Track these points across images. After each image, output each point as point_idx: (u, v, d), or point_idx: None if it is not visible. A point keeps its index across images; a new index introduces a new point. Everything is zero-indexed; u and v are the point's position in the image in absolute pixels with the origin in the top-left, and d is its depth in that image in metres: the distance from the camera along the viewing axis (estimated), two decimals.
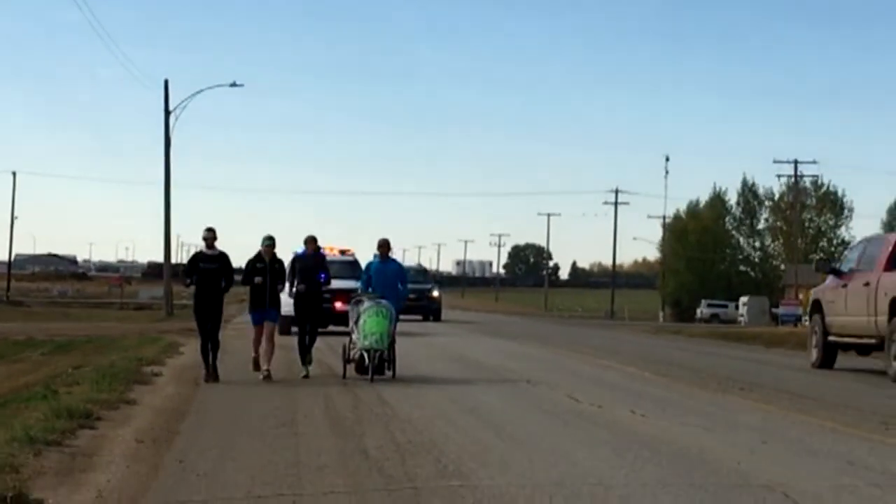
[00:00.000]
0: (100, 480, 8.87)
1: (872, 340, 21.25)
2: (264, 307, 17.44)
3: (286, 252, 18.92)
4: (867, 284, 21.41)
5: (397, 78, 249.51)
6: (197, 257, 17.33)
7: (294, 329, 19.23)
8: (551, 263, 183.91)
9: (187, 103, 54.19)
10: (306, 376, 17.53)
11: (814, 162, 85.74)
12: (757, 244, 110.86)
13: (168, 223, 55.39)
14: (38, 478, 8.76)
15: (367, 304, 17.46)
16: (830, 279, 23.87)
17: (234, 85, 55.57)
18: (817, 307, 23.84)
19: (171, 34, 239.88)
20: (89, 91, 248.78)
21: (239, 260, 18.24)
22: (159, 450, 10.44)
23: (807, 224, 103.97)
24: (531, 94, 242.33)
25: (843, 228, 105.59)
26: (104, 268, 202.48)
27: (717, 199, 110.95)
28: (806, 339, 25.99)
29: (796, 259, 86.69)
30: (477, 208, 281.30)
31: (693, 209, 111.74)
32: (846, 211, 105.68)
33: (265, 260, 17.39)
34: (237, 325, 34.50)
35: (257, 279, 17.26)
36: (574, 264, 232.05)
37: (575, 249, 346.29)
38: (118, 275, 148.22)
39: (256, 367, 17.49)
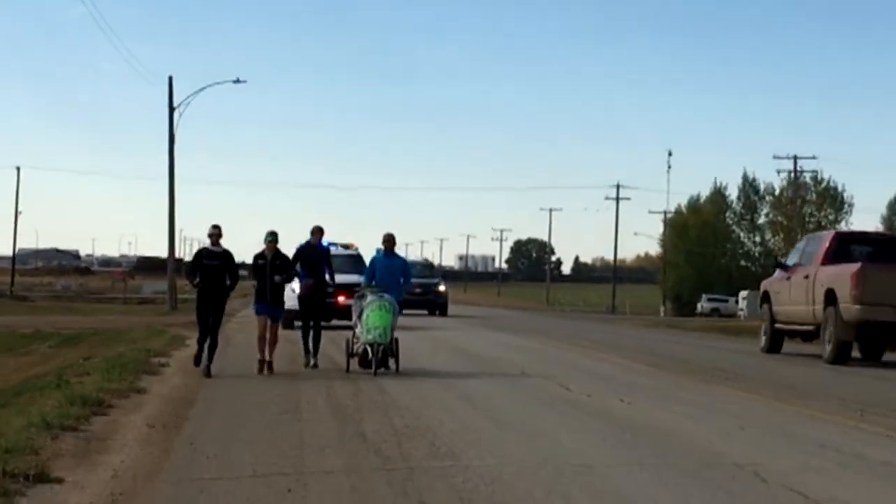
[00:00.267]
0: (115, 461, 9.47)
1: (811, 327, 23.84)
2: (266, 302, 17.56)
3: (290, 246, 19.10)
4: (807, 277, 23.98)
5: (400, 73, 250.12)
6: (201, 254, 17.49)
7: (297, 323, 19.32)
8: (554, 258, 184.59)
9: (191, 100, 54.77)
10: (315, 366, 17.90)
11: (813, 157, 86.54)
12: (757, 239, 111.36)
13: (172, 219, 55.94)
14: (56, 459, 9.34)
15: (370, 298, 17.64)
16: (778, 272, 26.30)
17: (237, 81, 56.14)
18: (766, 298, 26.30)
19: (174, 30, 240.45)
20: (92, 86, 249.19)
21: (241, 256, 18.64)
22: (169, 434, 11.03)
23: (807, 219, 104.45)
24: (533, 90, 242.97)
25: (842, 223, 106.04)
26: (107, 262, 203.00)
27: (718, 195, 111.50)
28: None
29: None
30: (479, 203, 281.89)
31: (694, 204, 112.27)
32: (846, 206, 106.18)
33: (266, 257, 17.51)
34: (241, 319, 35.06)
35: (254, 282, 17.59)
36: (576, 259, 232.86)
37: (577, 244, 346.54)
38: (121, 269, 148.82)
39: (261, 369, 17.35)
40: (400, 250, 19.49)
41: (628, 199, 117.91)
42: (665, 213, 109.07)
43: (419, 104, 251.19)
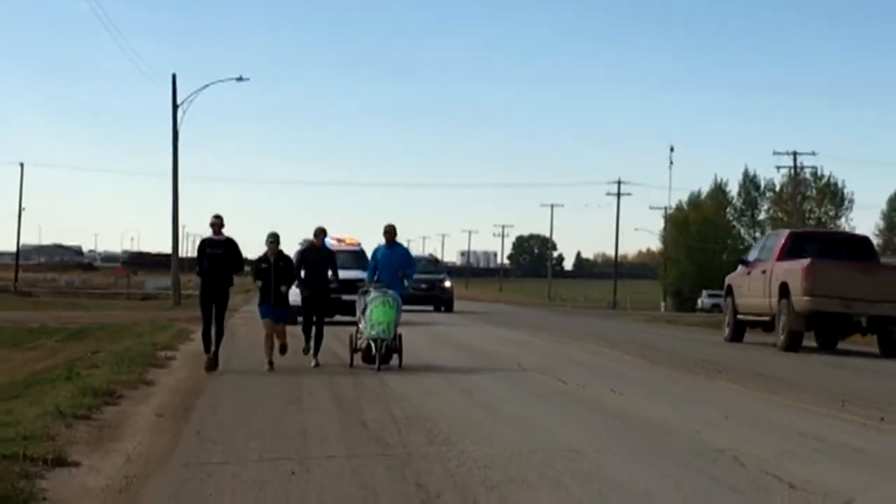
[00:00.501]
0: (127, 447, 9.96)
1: (768, 318, 26.18)
2: (270, 304, 17.50)
3: (292, 245, 19.12)
4: (764, 272, 26.39)
5: (402, 71, 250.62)
6: (204, 243, 17.47)
7: (299, 319, 19.36)
8: (555, 254, 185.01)
9: (194, 97, 55.21)
10: (316, 365, 17.71)
11: (813, 153, 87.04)
12: (758, 235, 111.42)
13: (176, 215, 56.36)
14: (71, 445, 9.82)
15: (373, 294, 17.70)
16: (740, 267, 28.75)
17: (240, 79, 56.62)
18: (730, 291, 28.71)
19: (177, 27, 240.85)
20: (95, 83, 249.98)
21: (244, 250, 18.08)
22: (178, 423, 11.52)
23: (807, 215, 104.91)
24: (535, 87, 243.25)
25: (843, 219, 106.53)
26: (109, 258, 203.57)
27: (719, 191, 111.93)
28: None
29: None
30: (481, 199, 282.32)
31: (694, 200, 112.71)
32: (846, 202, 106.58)
33: (269, 260, 17.47)
34: (244, 315, 35.50)
35: (258, 283, 17.50)
36: (578, 255, 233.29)
37: (579, 240, 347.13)
38: (121, 265, 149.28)
39: (272, 368, 17.22)
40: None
41: (629, 195, 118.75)
42: (666, 209, 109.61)
43: (421, 102, 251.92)
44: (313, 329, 18.21)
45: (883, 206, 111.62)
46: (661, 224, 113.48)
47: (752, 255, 28.85)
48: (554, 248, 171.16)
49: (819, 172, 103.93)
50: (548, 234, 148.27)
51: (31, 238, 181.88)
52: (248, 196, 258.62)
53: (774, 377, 17.76)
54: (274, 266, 17.41)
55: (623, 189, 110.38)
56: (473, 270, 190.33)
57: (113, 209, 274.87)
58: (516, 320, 43.37)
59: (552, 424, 11.50)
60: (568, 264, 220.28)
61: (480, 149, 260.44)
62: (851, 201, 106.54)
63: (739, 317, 28.13)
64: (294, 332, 19.08)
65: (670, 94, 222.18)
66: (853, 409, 13.36)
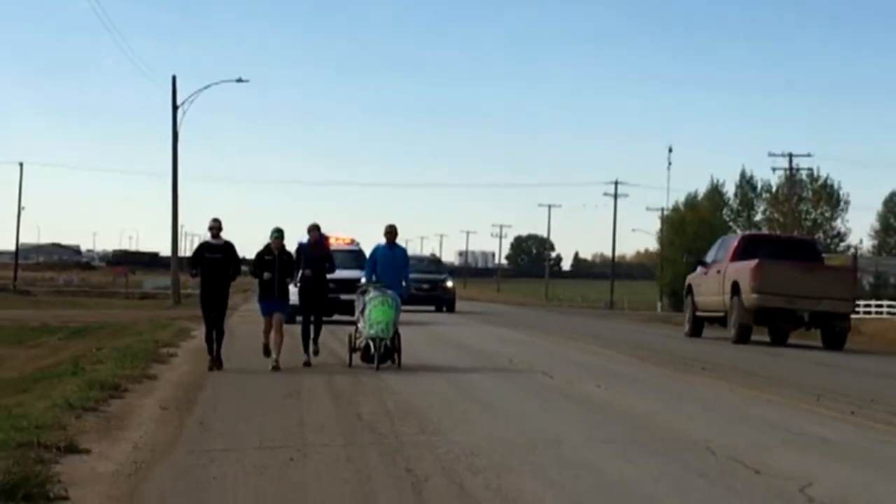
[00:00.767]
0: (134, 436, 10.53)
1: (722, 314, 28.50)
2: (273, 299, 17.60)
3: (291, 242, 19.21)
4: (719, 272, 28.83)
5: (399, 71, 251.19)
6: (202, 247, 17.53)
7: (298, 318, 19.45)
8: (553, 255, 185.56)
9: (194, 98, 55.73)
10: (307, 364, 17.85)
11: (808, 155, 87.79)
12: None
13: (175, 215, 56.85)
14: (82, 434, 10.38)
15: (372, 293, 17.74)
16: (699, 268, 31.16)
17: (239, 80, 57.08)
18: (690, 290, 31.16)
19: (177, 26, 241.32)
20: (94, 83, 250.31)
21: (242, 253, 18.40)
22: (181, 414, 12.09)
23: (803, 216, 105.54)
24: (532, 87, 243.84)
25: (838, 220, 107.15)
26: (106, 258, 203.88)
27: (715, 192, 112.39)
28: None
29: None
30: (479, 199, 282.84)
31: (691, 201, 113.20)
32: (842, 203, 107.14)
33: (273, 253, 17.59)
34: (243, 313, 36.03)
35: (266, 275, 17.62)
36: (576, 255, 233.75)
37: (578, 241, 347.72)
38: (121, 265, 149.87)
39: (267, 353, 17.61)
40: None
41: (627, 195, 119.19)
42: (662, 209, 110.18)
43: (420, 102, 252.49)
44: (311, 328, 18.39)
45: (879, 207, 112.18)
46: (657, 225, 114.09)
47: (709, 257, 31.10)
48: (552, 248, 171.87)
49: (816, 174, 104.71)
50: (545, 235, 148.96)
51: (29, 237, 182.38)
52: (246, 196, 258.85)
53: (758, 374, 18.35)
54: (278, 259, 17.60)
55: (620, 190, 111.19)
56: (471, 271, 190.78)
57: (111, 209, 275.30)
58: (512, 320, 43.84)
59: (536, 416, 12.09)
60: (566, 265, 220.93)
61: (479, 149, 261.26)
62: (847, 202, 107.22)
63: (698, 313, 30.48)
64: (291, 330, 19.41)
65: (669, 94, 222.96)
66: (828, 403, 13.96)
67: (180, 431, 10.91)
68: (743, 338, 27.30)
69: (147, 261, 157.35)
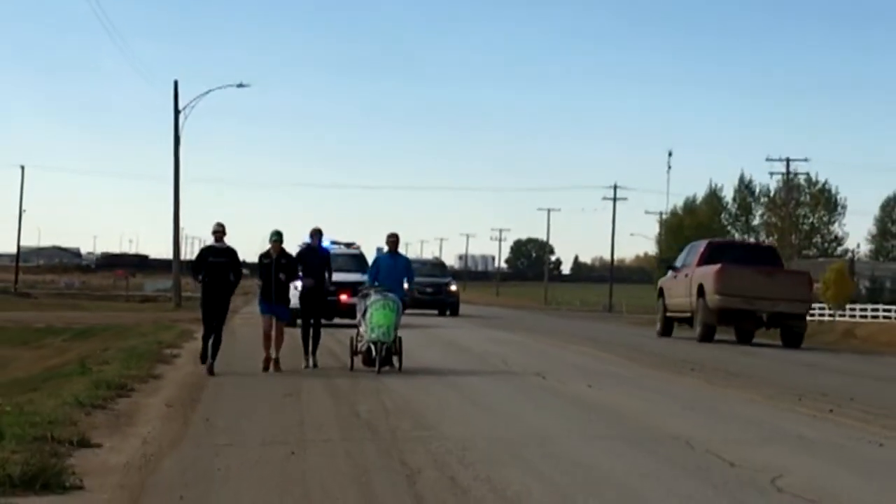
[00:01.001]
0: (142, 432, 11.05)
1: (689, 314, 30.94)
2: (272, 302, 17.75)
3: (293, 245, 19.30)
4: (686, 276, 31.31)
5: (399, 74, 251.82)
6: (206, 251, 17.65)
7: (298, 321, 19.43)
8: (553, 258, 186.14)
9: (196, 103, 56.27)
10: (307, 366, 18.03)
11: (805, 160, 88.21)
12: (752, 240, 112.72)
13: (177, 219, 57.37)
14: (92, 430, 10.90)
15: (374, 297, 17.78)
16: (670, 273, 33.69)
17: (240, 86, 57.68)
18: (661, 293, 33.86)
19: (177, 29, 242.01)
20: (95, 85, 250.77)
21: (243, 256, 18.51)
22: (186, 412, 12.61)
23: (801, 220, 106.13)
24: (532, 90, 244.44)
25: (836, 224, 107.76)
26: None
27: (713, 196, 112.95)
28: None
29: (788, 255, 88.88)
30: (478, 203, 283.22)
31: (689, 205, 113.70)
32: (839, 207, 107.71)
33: (272, 256, 17.72)
34: (244, 315, 36.51)
35: (258, 283, 17.71)
36: (576, 259, 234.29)
37: (578, 244, 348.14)
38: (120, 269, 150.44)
39: (266, 368, 17.58)
40: (399, 249, 19.60)
41: (625, 199, 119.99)
42: (661, 213, 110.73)
43: (420, 105, 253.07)
44: (311, 333, 18.40)
45: (876, 211, 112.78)
46: (656, 229, 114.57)
47: (679, 262, 33.58)
48: (552, 252, 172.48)
49: (814, 178, 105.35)
50: (545, 239, 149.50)
51: (30, 240, 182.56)
52: (247, 198, 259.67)
53: (744, 375, 18.90)
54: (276, 263, 17.70)
55: (619, 194, 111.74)
56: (471, 274, 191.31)
57: (112, 211, 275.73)
58: (509, 323, 44.30)
59: (528, 415, 12.62)
60: (566, 268, 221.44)
61: (479, 152, 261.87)
62: (844, 207, 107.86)
63: (668, 314, 33.05)
64: (292, 332, 19.82)
65: (669, 98, 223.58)
66: (809, 403, 14.50)
67: (186, 428, 11.43)
68: (707, 336, 29.61)
69: (136, 263, 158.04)
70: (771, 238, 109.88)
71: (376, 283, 18.38)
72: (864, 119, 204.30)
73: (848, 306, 72.38)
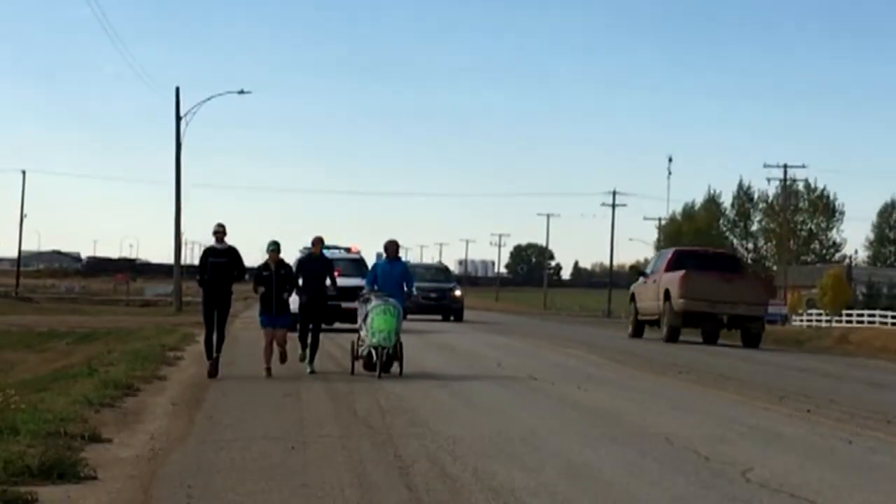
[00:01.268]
0: (150, 428, 11.65)
1: (657, 317, 33.33)
2: (272, 314, 17.83)
3: (292, 253, 19.43)
4: (654, 281, 33.84)
5: (401, 79, 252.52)
6: (208, 252, 17.77)
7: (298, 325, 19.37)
8: (553, 263, 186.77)
9: (197, 109, 56.87)
10: (303, 359, 18.30)
11: (803, 166, 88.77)
12: (750, 246, 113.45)
13: (178, 224, 57.87)
14: (102, 426, 11.47)
15: (375, 302, 17.87)
16: (640, 278, 36.27)
17: (241, 92, 58.30)
18: (633, 298, 36.27)
19: (178, 33, 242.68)
20: (95, 90, 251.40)
21: (243, 258, 18.45)
22: (191, 410, 13.21)
23: (799, 226, 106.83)
24: (532, 96, 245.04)
25: (834, 231, 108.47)
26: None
27: (712, 202, 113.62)
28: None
29: (785, 260, 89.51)
30: (478, 208, 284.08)
31: (688, 211, 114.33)
32: (837, 214, 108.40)
33: (270, 268, 17.76)
34: (244, 320, 37.03)
35: (261, 289, 17.69)
36: (576, 264, 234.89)
37: (577, 250, 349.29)
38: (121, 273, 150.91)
39: (269, 375, 17.54)
40: (399, 255, 19.79)
41: (624, 205, 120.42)
42: (660, 219, 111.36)
43: (420, 110, 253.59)
44: (309, 336, 18.59)
45: (873, 217, 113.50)
46: (655, 235, 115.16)
47: (649, 269, 36.55)
48: (551, 257, 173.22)
49: (813, 185, 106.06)
50: (544, 244, 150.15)
51: (30, 244, 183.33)
52: (247, 204, 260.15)
53: (730, 377, 19.47)
54: (275, 274, 17.74)
55: (619, 200, 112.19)
56: (471, 279, 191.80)
57: (112, 216, 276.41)
58: (507, 328, 44.78)
59: (516, 413, 13.22)
60: (566, 273, 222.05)
61: (478, 158, 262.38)
62: (842, 213, 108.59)
63: (639, 317, 35.47)
64: (292, 337, 20.30)
65: (668, 104, 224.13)
66: (790, 403, 15.11)
67: (191, 425, 12.02)
68: (672, 337, 32.06)
69: (121, 266, 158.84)
70: (769, 244, 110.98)
71: (376, 287, 18.50)
72: (862, 126, 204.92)
73: (844, 312, 73.01)
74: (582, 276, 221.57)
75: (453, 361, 21.48)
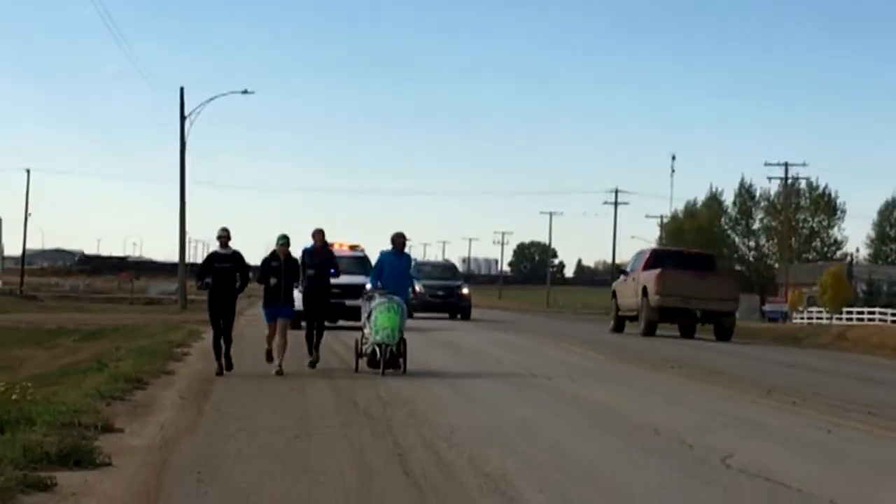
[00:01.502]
0: (160, 420, 12.16)
1: (636, 313, 35.47)
2: (278, 304, 17.94)
3: (297, 248, 19.62)
4: (634, 279, 36.09)
5: (402, 78, 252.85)
6: (212, 257, 18.00)
7: (303, 323, 19.84)
8: (556, 261, 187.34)
9: (201, 109, 57.42)
10: (312, 365, 18.46)
11: (804, 164, 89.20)
12: (752, 244, 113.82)
13: (183, 222, 58.49)
14: (114, 417, 11.98)
15: (378, 299, 17.97)
16: (622, 276, 38.64)
17: (245, 92, 58.89)
18: (614, 294, 38.59)
19: (182, 32, 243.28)
20: (98, 89, 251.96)
21: (246, 257, 18.76)
22: (199, 402, 13.73)
23: (801, 225, 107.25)
24: (535, 94, 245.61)
25: (835, 229, 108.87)
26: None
27: (714, 200, 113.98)
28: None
29: (786, 258, 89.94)
30: (481, 206, 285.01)
31: (690, 209, 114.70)
32: (838, 212, 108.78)
33: (280, 259, 17.93)
34: (249, 317, 37.48)
35: (273, 280, 17.76)
36: (579, 262, 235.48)
37: (580, 248, 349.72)
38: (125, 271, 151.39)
39: (269, 358, 17.90)
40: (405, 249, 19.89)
41: (627, 203, 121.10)
42: (662, 217, 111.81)
43: (423, 109, 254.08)
44: (314, 333, 18.77)
45: (874, 216, 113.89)
46: (657, 232, 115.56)
47: (629, 267, 38.64)
48: (554, 255, 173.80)
49: (815, 183, 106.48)
50: (547, 242, 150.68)
51: (34, 243, 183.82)
52: (250, 202, 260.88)
53: (721, 372, 20.01)
54: (284, 266, 17.92)
55: (621, 198, 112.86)
56: (474, 277, 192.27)
57: (116, 215, 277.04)
58: (511, 325, 45.19)
59: (513, 405, 13.73)
60: (569, 271, 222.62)
61: (481, 156, 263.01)
62: (844, 211, 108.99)
63: (620, 313, 37.60)
64: (295, 336, 20.67)
65: (671, 102, 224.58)
66: (777, 396, 15.64)
67: (200, 416, 12.53)
68: (650, 331, 34.31)
69: (115, 264, 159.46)
70: (771, 242, 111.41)
71: (379, 284, 18.63)
72: (862, 124, 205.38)
73: (845, 309, 73.48)
74: (585, 274, 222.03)
75: (454, 357, 21.99)
